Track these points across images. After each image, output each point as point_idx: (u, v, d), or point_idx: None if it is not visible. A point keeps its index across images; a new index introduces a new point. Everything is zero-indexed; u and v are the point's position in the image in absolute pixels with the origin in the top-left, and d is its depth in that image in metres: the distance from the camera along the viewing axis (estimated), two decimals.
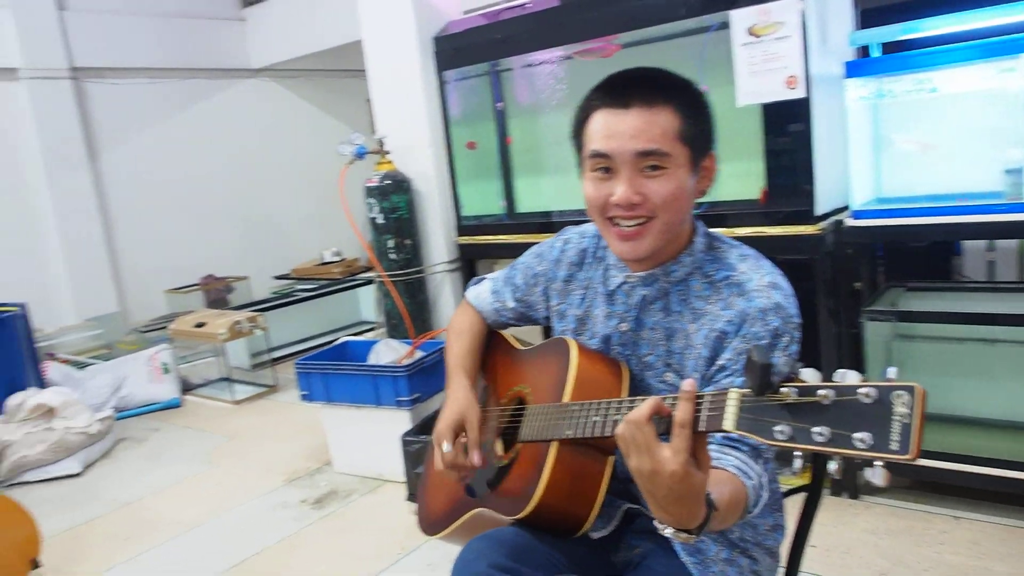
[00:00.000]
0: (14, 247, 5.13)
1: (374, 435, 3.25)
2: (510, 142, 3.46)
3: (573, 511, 1.26)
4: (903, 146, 2.66)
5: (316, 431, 3.86)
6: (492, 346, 1.62)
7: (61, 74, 5.27)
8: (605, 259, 1.42)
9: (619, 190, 1.22)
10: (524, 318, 1.60)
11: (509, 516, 1.28)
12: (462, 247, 3.57)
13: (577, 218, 3.21)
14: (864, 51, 2.86)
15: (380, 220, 3.46)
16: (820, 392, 0.85)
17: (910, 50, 2.59)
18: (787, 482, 1.47)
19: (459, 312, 1.68)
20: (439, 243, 3.59)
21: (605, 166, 1.24)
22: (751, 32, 2.62)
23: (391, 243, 3.47)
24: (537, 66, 3.30)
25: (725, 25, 2.70)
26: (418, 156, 3.53)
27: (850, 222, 2.60)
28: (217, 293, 6.02)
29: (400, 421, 3.15)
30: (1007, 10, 2.42)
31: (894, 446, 0.80)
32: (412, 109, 3.51)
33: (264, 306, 5.35)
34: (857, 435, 0.81)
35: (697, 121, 1.23)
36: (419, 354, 3.29)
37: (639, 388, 1.35)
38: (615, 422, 1.12)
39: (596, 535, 1.34)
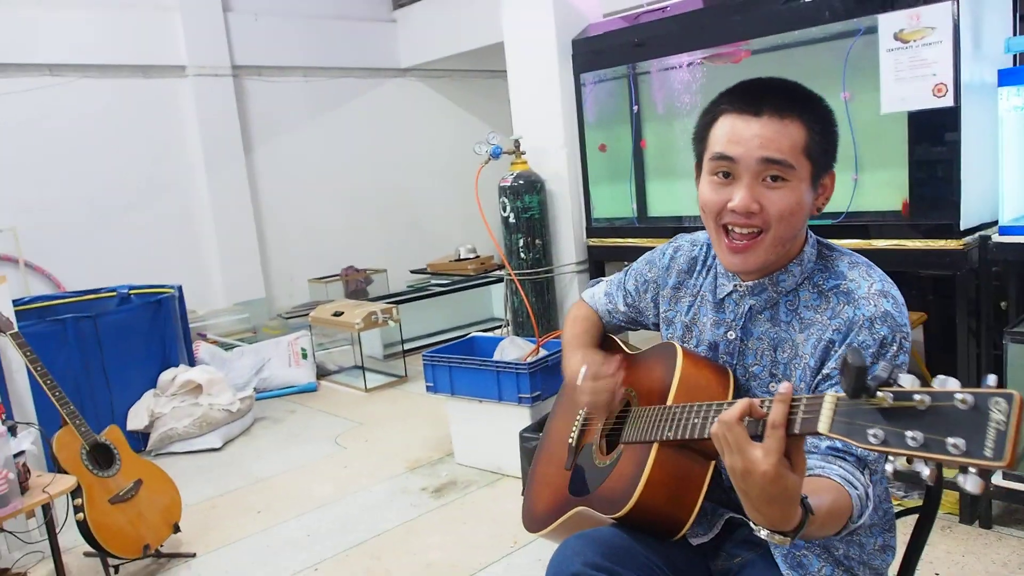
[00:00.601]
0: (174, 234, 5.55)
1: (495, 430, 3.31)
2: (644, 146, 3.43)
3: (672, 513, 1.26)
4: None
5: (440, 423, 3.98)
6: (603, 348, 1.63)
7: (223, 72, 5.65)
8: (715, 267, 1.42)
9: (738, 196, 1.21)
10: (634, 322, 1.63)
11: (608, 515, 1.29)
12: (591, 249, 3.58)
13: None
14: (1022, 59, 2.65)
15: (512, 219, 3.52)
16: (916, 397, 0.85)
17: None
18: (902, 504, 1.40)
19: (575, 308, 1.73)
20: (568, 244, 3.62)
21: (726, 170, 1.23)
22: (898, 37, 2.49)
23: (521, 242, 3.53)
24: (674, 70, 3.26)
25: (871, 30, 2.58)
26: (552, 157, 3.57)
27: (997, 238, 2.44)
28: (356, 284, 6.31)
29: (520, 417, 3.19)
30: None
31: (988, 452, 0.78)
32: (549, 110, 3.56)
33: (400, 298, 5.56)
34: (951, 440, 0.81)
35: (824, 137, 1.22)
36: (543, 352, 3.32)
37: (744, 397, 1.32)
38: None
39: (696, 541, 1.35)
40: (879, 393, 0.88)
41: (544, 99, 3.57)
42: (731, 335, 1.35)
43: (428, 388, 3.50)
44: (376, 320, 4.79)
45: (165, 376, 4.10)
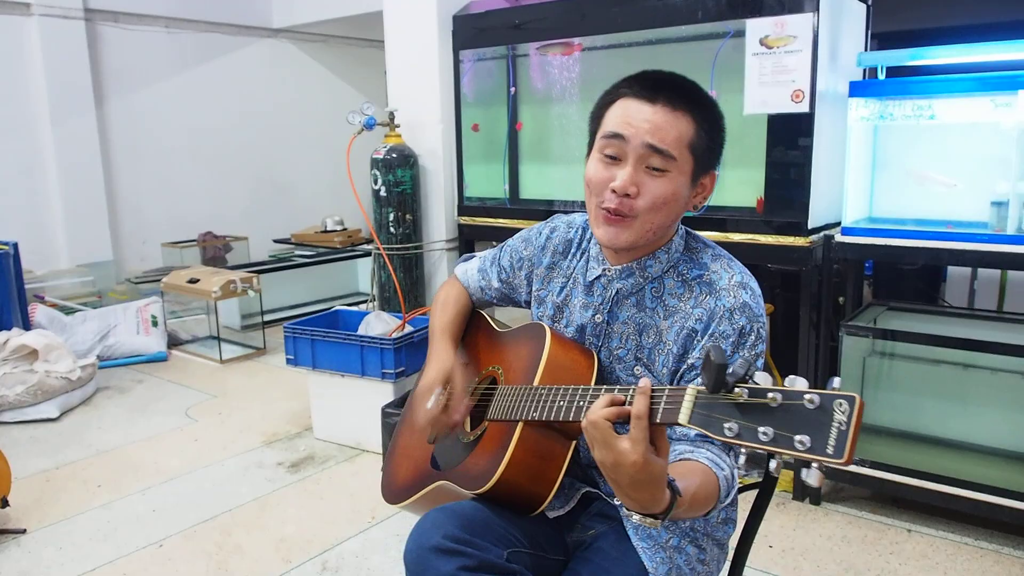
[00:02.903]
0: (12, 184, 5.11)
1: (356, 405, 3.27)
2: (520, 128, 3.46)
3: (533, 489, 1.29)
4: (929, 180, 2.66)
5: (299, 397, 3.89)
6: (472, 324, 1.65)
7: (74, 13, 5.23)
8: (588, 251, 1.46)
9: (620, 177, 1.25)
10: (507, 299, 1.65)
11: (470, 490, 1.30)
12: (462, 227, 3.58)
13: (579, 209, 3.25)
14: (871, 73, 2.87)
15: (383, 192, 3.47)
16: (769, 395, 0.91)
17: (915, 76, 2.61)
18: (743, 481, 1.51)
19: (446, 285, 1.72)
20: (439, 221, 3.60)
21: (614, 153, 1.26)
22: (764, 43, 2.63)
23: (392, 216, 3.48)
24: (552, 56, 3.30)
25: (740, 33, 2.71)
26: (427, 133, 3.54)
27: (840, 238, 2.64)
28: (215, 251, 6.04)
29: (383, 393, 3.17)
30: (1009, 46, 2.43)
31: (830, 450, 0.86)
32: (426, 85, 3.52)
33: (261, 268, 5.36)
34: (798, 437, 0.88)
35: (710, 137, 1.28)
36: (408, 328, 3.31)
37: (608, 379, 1.39)
38: (579, 408, 1.18)
39: (553, 514, 1.40)
40: (736, 389, 0.94)
41: (422, 73, 3.53)
42: (598, 318, 1.40)
43: (288, 361, 3.40)
44: (235, 289, 4.61)
45: None
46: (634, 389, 1.05)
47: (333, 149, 6.61)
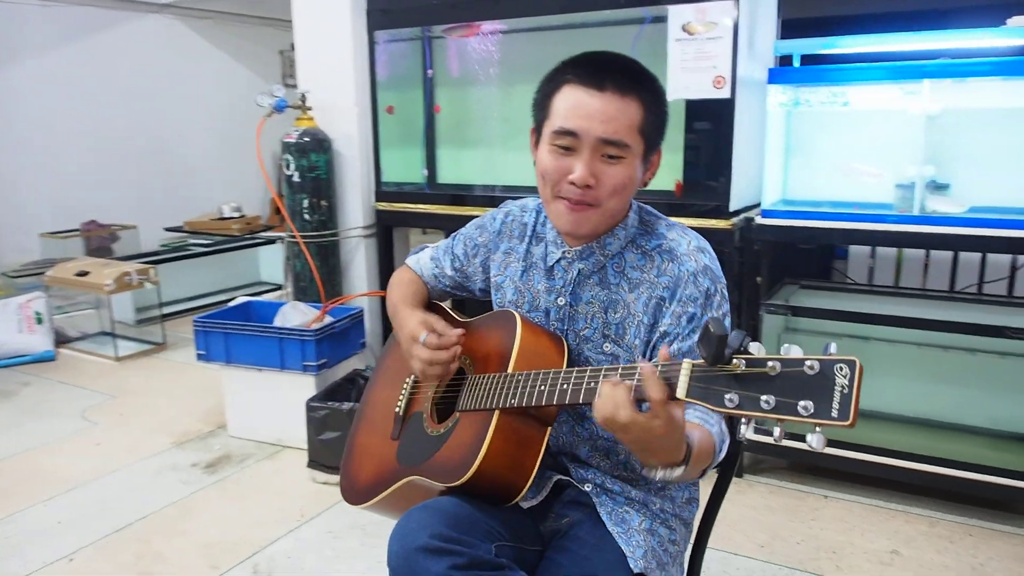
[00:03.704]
0: None
1: (275, 400, 3.15)
2: (438, 111, 3.40)
3: (510, 479, 1.28)
4: (855, 172, 2.77)
5: (209, 393, 3.71)
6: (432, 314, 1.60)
7: None
8: (545, 236, 1.45)
9: (577, 169, 1.26)
10: (461, 287, 1.62)
11: (446, 483, 1.27)
12: (380, 213, 3.49)
13: (499, 194, 3.23)
14: (785, 61, 2.97)
15: (296, 178, 3.33)
16: (769, 364, 0.92)
17: (828, 64, 2.72)
18: None
19: (400, 272, 1.69)
20: (356, 207, 3.49)
21: (567, 144, 1.26)
22: (686, 29, 2.68)
23: (306, 203, 3.35)
24: (469, 38, 3.25)
25: (659, 19, 2.74)
26: (342, 116, 3.42)
27: (760, 220, 2.72)
28: (100, 241, 5.67)
29: (305, 386, 3.06)
30: (916, 37, 2.58)
31: (834, 413, 0.87)
32: (339, 67, 3.39)
33: (154, 259, 5.07)
34: (801, 403, 0.89)
35: (656, 117, 1.30)
36: (328, 319, 3.21)
37: (578, 361, 1.39)
38: (563, 391, 1.18)
39: (526, 504, 1.39)
40: (733, 360, 0.95)
41: (334, 54, 3.39)
42: (561, 301, 1.40)
43: (200, 356, 3.24)
44: (131, 282, 4.34)
45: None
46: (623, 370, 1.08)
47: (227, 132, 6.32)
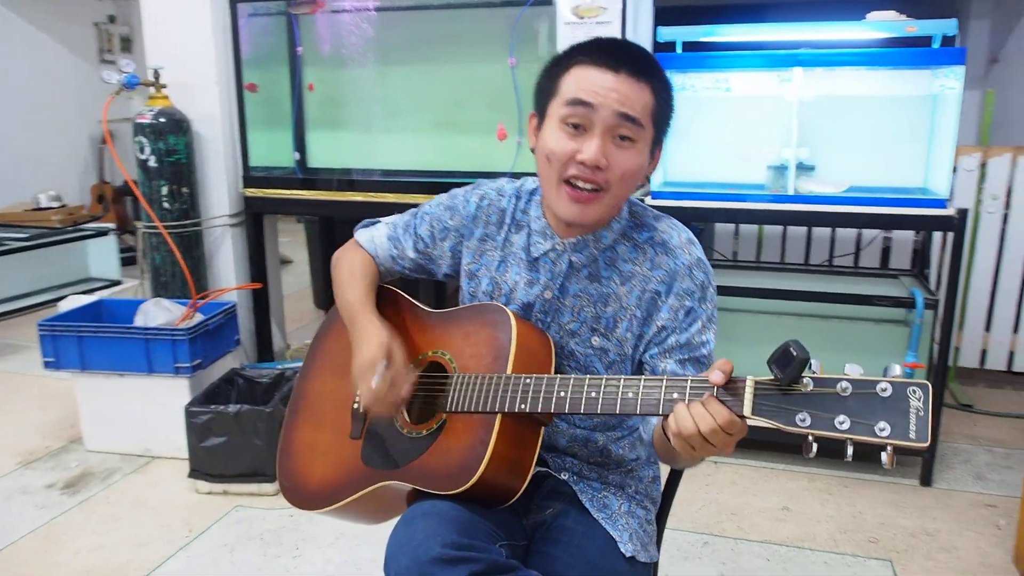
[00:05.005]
0: None
1: (142, 407, 2.87)
2: (312, 88, 3.21)
3: (509, 482, 1.23)
4: (752, 158, 2.90)
5: (54, 404, 3.34)
6: (389, 301, 1.49)
7: None
8: (528, 224, 1.38)
9: (589, 148, 1.20)
10: (421, 270, 1.51)
11: (443, 490, 1.19)
12: (248, 200, 3.25)
13: (379, 178, 3.11)
14: (666, 47, 3.07)
15: (152, 163, 3.03)
16: (839, 385, 0.94)
17: (706, 52, 2.84)
18: None
19: (348, 252, 1.52)
20: (221, 194, 3.23)
21: (578, 121, 1.21)
22: (576, 13, 2.69)
23: (165, 190, 3.06)
24: (341, 14, 3.09)
25: (542, 2, 2.73)
26: (201, 95, 3.14)
27: (650, 201, 2.80)
28: None
29: (177, 390, 2.81)
30: (788, 27, 2.75)
31: (912, 435, 0.91)
32: (197, 42, 3.11)
33: None
34: (878, 425, 0.92)
35: (666, 108, 1.27)
36: (199, 316, 2.96)
37: (564, 354, 1.35)
38: (593, 400, 1.14)
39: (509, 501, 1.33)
40: (803, 379, 0.97)
41: (191, 28, 3.10)
42: (548, 294, 1.34)
43: (47, 364, 2.88)
44: None
45: None
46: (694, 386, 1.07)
47: (40, 113, 5.66)
